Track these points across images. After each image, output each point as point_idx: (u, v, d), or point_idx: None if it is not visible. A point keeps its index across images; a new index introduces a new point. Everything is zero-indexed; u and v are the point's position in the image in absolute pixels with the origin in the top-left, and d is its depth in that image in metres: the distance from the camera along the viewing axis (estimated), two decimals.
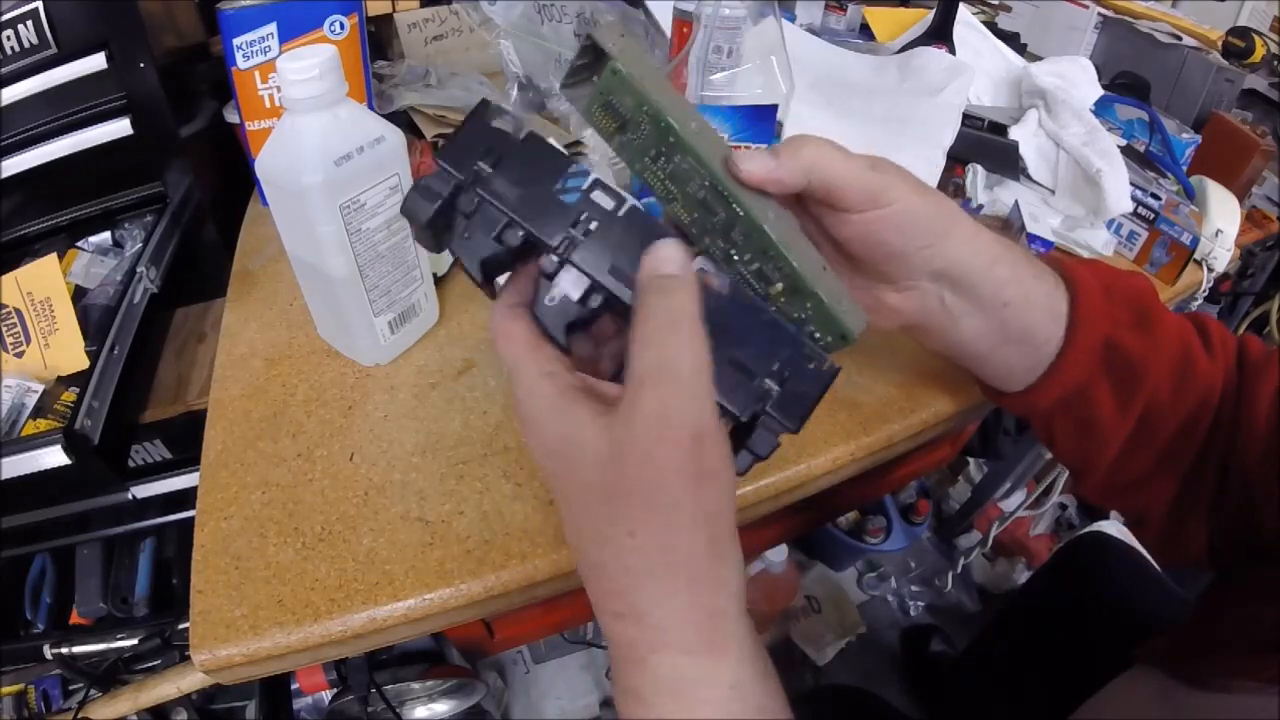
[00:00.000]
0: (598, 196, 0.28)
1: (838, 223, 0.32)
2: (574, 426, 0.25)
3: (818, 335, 0.30)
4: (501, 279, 0.30)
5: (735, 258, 0.29)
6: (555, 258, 0.27)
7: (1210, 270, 0.62)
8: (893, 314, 0.36)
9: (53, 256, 0.56)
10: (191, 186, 0.64)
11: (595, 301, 0.28)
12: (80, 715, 0.61)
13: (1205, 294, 0.64)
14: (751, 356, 0.27)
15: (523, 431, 0.28)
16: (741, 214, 0.28)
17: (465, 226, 0.28)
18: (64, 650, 0.64)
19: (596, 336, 0.31)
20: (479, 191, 0.27)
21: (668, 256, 0.26)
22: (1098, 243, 0.61)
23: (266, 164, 0.40)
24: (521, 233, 0.27)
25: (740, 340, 0.27)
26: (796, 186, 0.30)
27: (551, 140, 0.29)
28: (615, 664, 0.26)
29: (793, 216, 0.30)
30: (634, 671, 0.25)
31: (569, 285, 0.27)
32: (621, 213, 0.28)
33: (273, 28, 0.55)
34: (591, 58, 0.29)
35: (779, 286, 0.29)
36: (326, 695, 0.73)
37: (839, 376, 0.28)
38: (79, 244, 0.63)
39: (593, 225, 0.27)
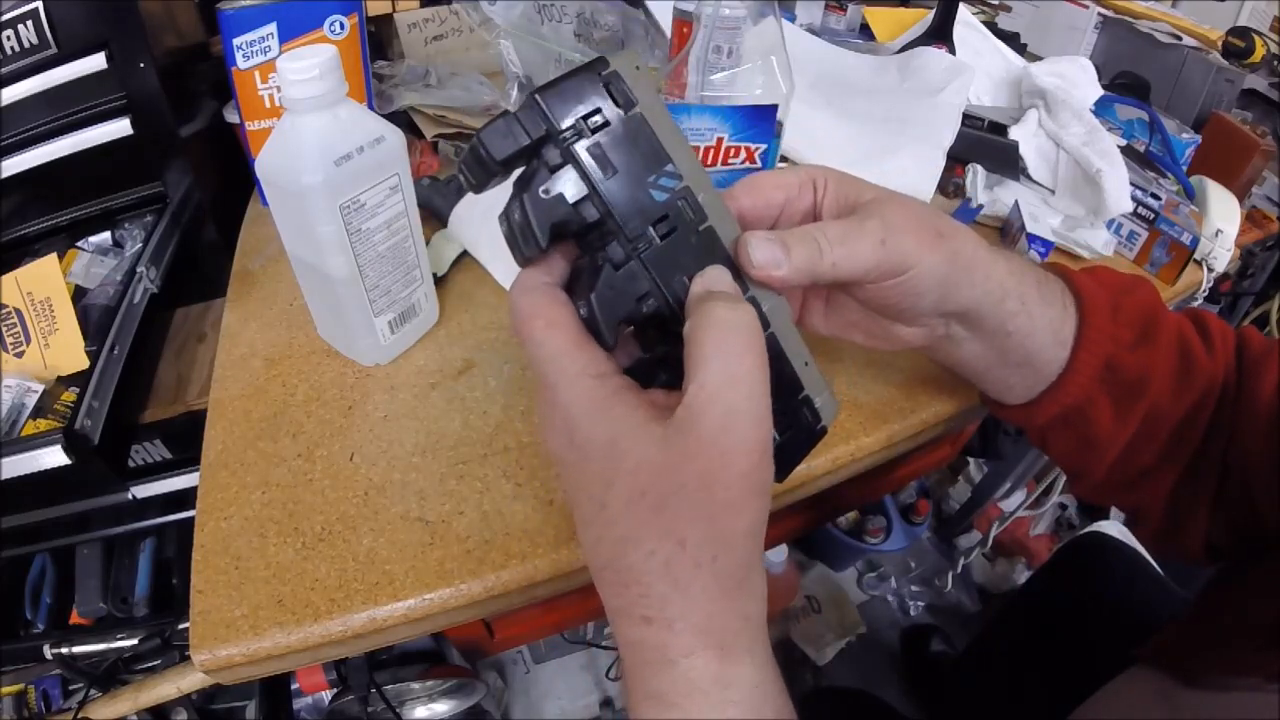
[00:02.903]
0: (684, 205, 0.27)
1: (851, 288, 0.32)
2: (627, 431, 0.25)
3: None
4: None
5: None
6: (623, 251, 0.26)
7: (1210, 270, 0.62)
8: (897, 341, 0.36)
9: (53, 256, 0.55)
10: (191, 186, 0.64)
11: (649, 306, 0.27)
12: (80, 715, 0.61)
13: (1205, 294, 0.64)
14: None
15: (548, 430, 0.27)
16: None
17: (544, 180, 0.25)
18: (64, 650, 0.64)
19: None
20: (573, 151, 0.25)
21: (721, 279, 0.26)
22: (1098, 243, 0.61)
23: (266, 164, 0.40)
24: (600, 213, 0.26)
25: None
26: (800, 285, 0.29)
27: (654, 131, 0.27)
28: (635, 667, 0.25)
29: (787, 304, 0.30)
30: (658, 674, 0.25)
31: (628, 282, 0.26)
32: (701, 229, 0.27)
33: (273, 28, 0.55)
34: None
35: None
36: (326, 695, 0.73)
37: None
38: (79, 244, 0.63)
39: (671, 231, 0.26)
